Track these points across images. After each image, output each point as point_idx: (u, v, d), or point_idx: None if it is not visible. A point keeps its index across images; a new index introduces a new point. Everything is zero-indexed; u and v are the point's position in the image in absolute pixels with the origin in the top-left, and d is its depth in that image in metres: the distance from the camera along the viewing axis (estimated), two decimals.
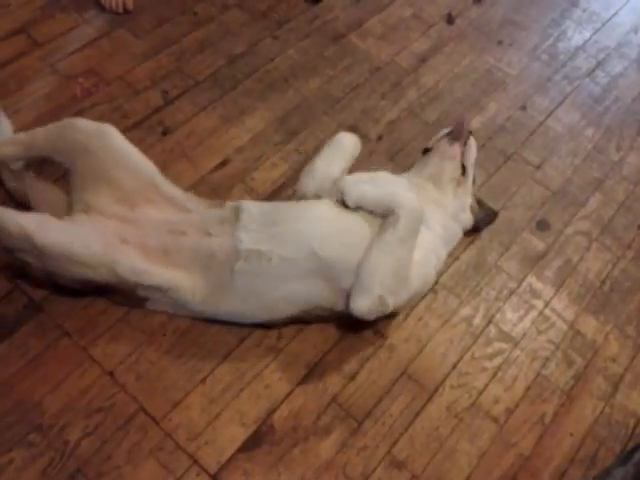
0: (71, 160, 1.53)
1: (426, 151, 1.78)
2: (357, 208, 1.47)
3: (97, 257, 1.42)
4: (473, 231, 1.80)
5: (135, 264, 1.44)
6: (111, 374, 1.47)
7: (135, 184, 1.54)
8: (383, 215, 1.45)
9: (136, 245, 1.48)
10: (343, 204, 1.48)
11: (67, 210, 1.57)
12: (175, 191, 1.59)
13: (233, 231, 1.47)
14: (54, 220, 1.44)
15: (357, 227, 1.47)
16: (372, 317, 1.45)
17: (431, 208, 1.62)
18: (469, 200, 1.74)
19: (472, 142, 1.76)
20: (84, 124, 1.54)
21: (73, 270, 1.43)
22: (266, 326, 1.57)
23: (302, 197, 1.56)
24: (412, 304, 1.66)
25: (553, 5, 2.59)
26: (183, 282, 1.47)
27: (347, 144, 1.63)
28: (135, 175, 1.54)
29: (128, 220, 1.52)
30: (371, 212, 1.47)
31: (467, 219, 1.74)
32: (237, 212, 1.50)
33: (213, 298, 1.49)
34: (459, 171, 1.71)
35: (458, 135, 1.72)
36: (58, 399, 1.42)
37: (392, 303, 1.44)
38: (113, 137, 1.54)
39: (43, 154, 1.57)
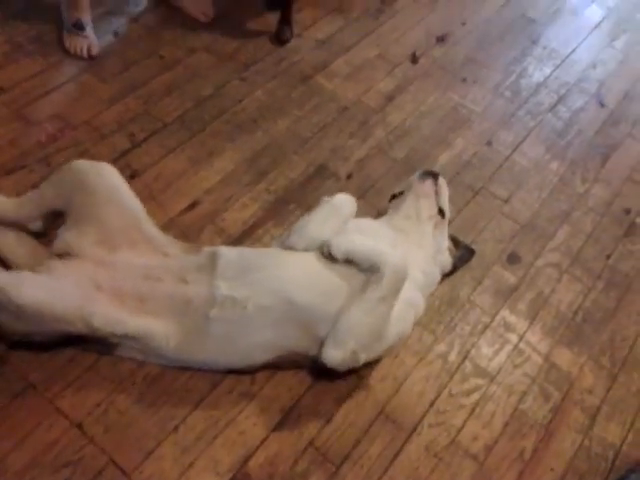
0: (68, 201, 1.52)
1: (393, 197, 1.81)
2: (336, 259, 1.46)
3: (74, 312, 1.38)
4: (450, 273, 1.80)
5: (110, 314, 1.41)
6: (79, 426, 1.41)
7: (121, 223, 1.52)
8: (367, 269, 1.44)
9: (110, 291, 1.45)
10: (328, 256, 1.47)
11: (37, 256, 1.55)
12: (156, 233, 1.58)
13: (210, 279, 1.45)
14: (29, 275, 1.40)
15: (334, 276, 1.46)
16: (343, 369, 1.45)
17: (413, 250, 1.62)
18: (446, 242, 1.75)
19: (442, 181, 1.78)
20: (84, 163, 1.55)
21: (49, 325, 1.39)
22: (239, 371, 1.54)
23: (289, 249, 1.54)
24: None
25: (514, 43, 2.66)
26: (157, 329, 1.44)
27: (344, 207, 1.61)
28: (123, 212, 1.53)
29: (105, 263, 1.49)
30: (353, 264, 1.45)
31: (446, 261, 1.74)
32: (214, 258, 1.49)
33: (187, 345, 1.45)
34: (435, 209, 1.72)
35: (429, 172, 1.76)
36: (23, 454, 1.36)
37: (364, 358, 1.45)
38: (111, 174, 1.55)
39: (55, 207, 1.55)
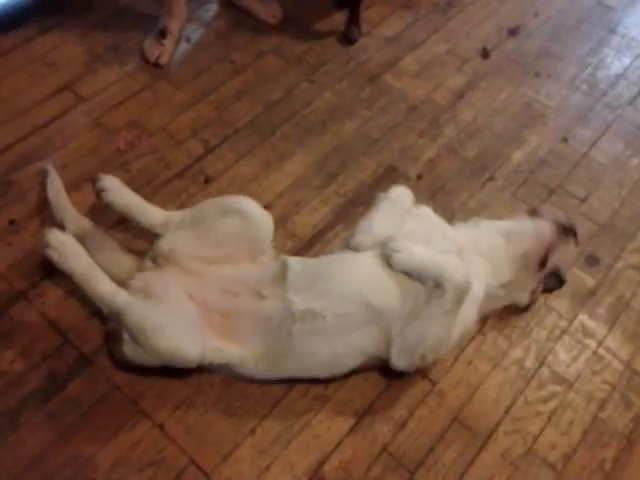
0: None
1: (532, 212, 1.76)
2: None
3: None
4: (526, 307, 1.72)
5: (209, 342, 1.46)
6: (161, 427, 1.47)
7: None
8: (429, 284, 1.43)
9: (199, 303, 1.49)
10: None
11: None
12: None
13: (283, 292, 1.47)
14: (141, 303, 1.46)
15: (402, 277, 1.46)
16: (412, 370, 1.51)
17: (484, 265, 1.58)
18: (533, 284, 1.67)
19: (572, 246, 1.72)
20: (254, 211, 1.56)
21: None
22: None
23: (354, 250, 1.54)
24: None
25: (590, 33, 2.56)
26: (247, 356, 1.48)
27: (403, 199, 1.61)
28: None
29: (196, 274, 1.52)
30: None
31: (521, 299, 1.68)
32: (284, 269, 1.51)
33: (275, 364, 1.49)
34: (537, 257, 1.64)
35: (569, 226, 1.72)
36: (110, 453, 1.43)
37: (432, 358, 1.49)
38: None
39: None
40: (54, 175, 1.75)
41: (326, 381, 1.56)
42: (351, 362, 1.50)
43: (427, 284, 1.42)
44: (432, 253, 1.46)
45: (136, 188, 1.83)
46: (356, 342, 1.46)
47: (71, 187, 1.82)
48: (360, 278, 1.47)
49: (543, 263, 1.64)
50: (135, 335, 1.42)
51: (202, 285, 1.51)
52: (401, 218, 1.57)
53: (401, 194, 1.62)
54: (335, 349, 1.46)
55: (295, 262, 1.53)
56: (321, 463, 1.46)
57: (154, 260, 1.56)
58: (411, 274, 1.44)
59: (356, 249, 1.53)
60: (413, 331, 1.43)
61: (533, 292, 1.67)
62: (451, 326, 1.45)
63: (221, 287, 1.51)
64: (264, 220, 1.57)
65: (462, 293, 1.43)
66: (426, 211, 1.65)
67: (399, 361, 1.47)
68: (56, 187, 1.74)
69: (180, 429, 1.47)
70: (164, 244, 1.55)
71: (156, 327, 1.42)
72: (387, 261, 1.46)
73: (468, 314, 1.51)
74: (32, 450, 1.41)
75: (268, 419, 1.51)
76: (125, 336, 1.44)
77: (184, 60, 2.25)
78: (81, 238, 1.59)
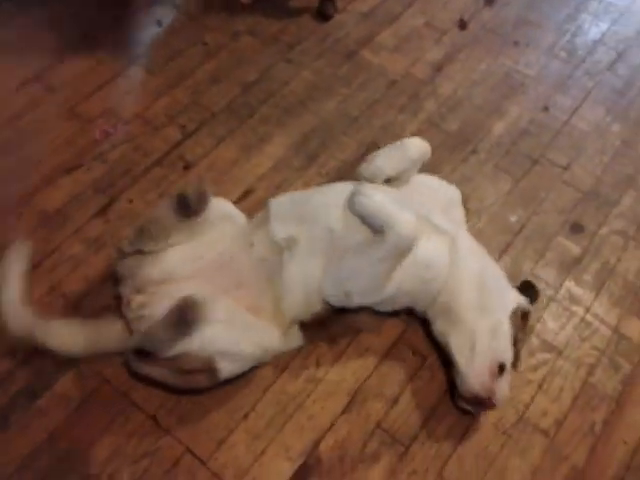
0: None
1: None
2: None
3: None
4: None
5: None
6: (154, 418, 1.46)
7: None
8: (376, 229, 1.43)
9: (212, 290, 1.48)
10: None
11: None
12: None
13: (267, 230, 1.51)
14: None
15: None
16: (337, 304, 1.50)
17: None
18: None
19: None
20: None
21: None
22: (303, 356, 1.56)
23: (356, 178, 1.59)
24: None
25: (566, 0, 2.54)
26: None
27: (412, 149, 1.63)
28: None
29: (194, 274, 1.51)
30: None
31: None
32: (267, 211, 1.55)
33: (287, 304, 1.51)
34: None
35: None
36: (104, 447, 1.42)
37: (358, 302, 1.49)
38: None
39: None
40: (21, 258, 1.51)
41: (317, 362, 1.56)
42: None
43: (374, 228, 1.43)
44: (391, 205, 1.44)
45: (114, 178, 1.84)
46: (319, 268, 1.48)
47: (47, 181, 1.79)
48: (331, 202, 1.50)
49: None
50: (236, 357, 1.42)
51: (205, 278, 1.50)
52: (404, 164, 1.60)
53: (415, 144, 1.64)
54: (311, 272, 1.48)
55: (279, 198, 1.58)
56: (316, 443, 1.46)
57: (140, 291, 1.47)
58: (363, 219, 1.44)
59: (357, 177, 1.60)
60: (347, 265, 1.44)
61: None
62: (382, 276, 1.43)
63: (219, 265, 1.52)
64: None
65: (402, 248, 1.42)
66: (449, 189, 1.69)
67: (328, 289, 1.47)
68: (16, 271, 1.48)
69: (173, 419, 1.47)
70: (154, 273, 1.48)
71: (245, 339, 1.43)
72: (348, 203, 1.46)
73: (408, 279, 1.47)
74: (24, 448, 1.40)
75: (261, 403, 1.51)
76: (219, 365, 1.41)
77: (156, 44, 2.21)
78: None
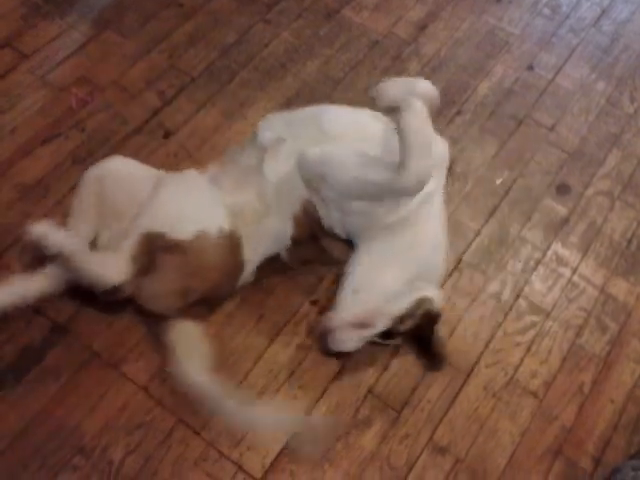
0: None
1: None
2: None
3: None
4: None
5: None
6: (145, 389, 1.46)
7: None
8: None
9: None
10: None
11: None
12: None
13: (256, 143, 1.53)
14: None
15: (366, 125, 1.53)
16: (301, 173, 1.47)
17: None
18: None
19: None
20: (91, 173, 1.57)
21: None
22: (294, 324, 1.56)
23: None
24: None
25: None
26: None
27: (422, 85, 1.49)
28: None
29: None
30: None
31: None
32: (256, 130, 1.56)
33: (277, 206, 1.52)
34: None
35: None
36: (97, 420, 1.42)
37: (324, 190, 1.45)
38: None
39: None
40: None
41: (308, 330, 1.56)
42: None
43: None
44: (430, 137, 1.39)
45: (93, 148, 1.78)
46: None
47: (23, 153, 1.73)
48: (326, 109, 1.56)
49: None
50: None
51: None
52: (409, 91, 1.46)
53: (424, 82, 1.51)
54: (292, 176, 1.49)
55: (268, 117, 1.60)
56: (308, 411, 1.47)
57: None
58: (400, 135, 1.35)
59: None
60: (345, 158, 1.43)
61: None
62: (363, 193, 1.42)
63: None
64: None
65: (400, 193, 1.39)
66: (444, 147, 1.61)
67: (310, 159, 1.45)
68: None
69: (165, 390, 1.46)
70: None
71: None
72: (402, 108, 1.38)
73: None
74: (16, 424, 1.39)
75: (252, 373, 1.51)
76: None
77: (129, 6, 2.10)
78: None
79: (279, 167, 1.50)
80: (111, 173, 1.56)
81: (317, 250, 1.59)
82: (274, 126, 1.54)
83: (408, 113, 1.36)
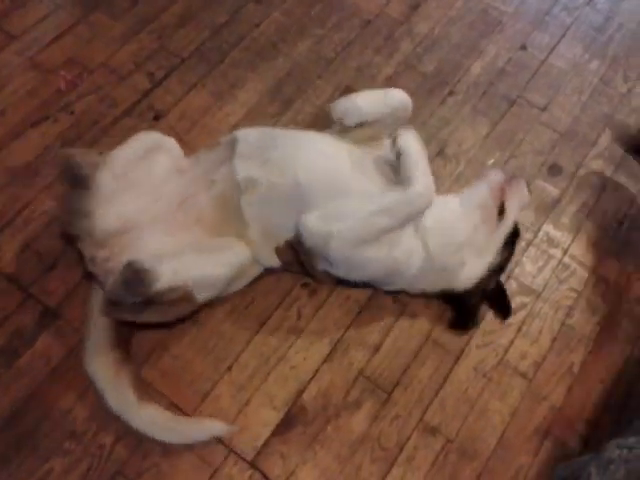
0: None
1: None
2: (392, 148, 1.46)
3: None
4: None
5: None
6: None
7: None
8: (401, 178, 1.41)
9: (174, 229, 1.47)
10: (392, 143, 1.46)
11: None
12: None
13: (230, 167, 1.46)
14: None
15: (346, 170, 1.45)
16: (306, 242, 1.41)
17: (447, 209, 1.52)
18: (493, 248, 1.54)
19: (524, 188, 1.57)
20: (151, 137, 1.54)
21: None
22: (284, 308, 1.56)
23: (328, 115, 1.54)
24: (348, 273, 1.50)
25: None
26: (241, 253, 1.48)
27: (394, 98, 1.52)
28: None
29: (151, 219, 1.47)
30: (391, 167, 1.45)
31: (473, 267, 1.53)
32: (233, 145, 1.49)
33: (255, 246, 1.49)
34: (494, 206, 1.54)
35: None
36: (87, 404, 1.42)
37: (333, 249, 1.38)
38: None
39: None
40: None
41: (298, 313, 1.56)
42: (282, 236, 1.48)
43: (400, 175, 1.42)
44: (425, 160, 1.44)
45: (82, 131, 1.77)
46: (284, 216, 1.44)
47: (12, 135, 1.73)
48: (306, 155, 1.46)
49: (501, 211, 1.54)
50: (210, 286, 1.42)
51: (163, 221, 1.47)
52: (378, 108, 1.51)
53: (395, 93, 1.54)
54: (273, 220, 1.46)
55: (247, 132, 1.51)
56: (300, 392, 1.48)
57: (102, 246, 1.41)
58: (402, 160, 1.42)
59: (329, 113, 1.53)
60: (347, 203, 1.40)
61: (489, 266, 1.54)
62: (378, 231, 1.38)
63: (179, 202, 1.49)
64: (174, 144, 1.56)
65: (417, 207, 1.39)
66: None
67: (310, 220, 1.39)
68: None
69: (156, 373, 1.47)
70: (112, 225, 1.41)
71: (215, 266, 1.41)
72: (393, 136, 1.46)
73: (394, 248, 1.43)
74: (7, 409, 1.40)
75: (244, 355, 1.51)
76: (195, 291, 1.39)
77: None
78: None
79: (257, 210, 1.46)
80: (163, 149, 1.54)
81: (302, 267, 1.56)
82: (250, 155, 1.46)
83: (407, 136, 1.44)
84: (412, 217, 1.41)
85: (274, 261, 1.52)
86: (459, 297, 1.54)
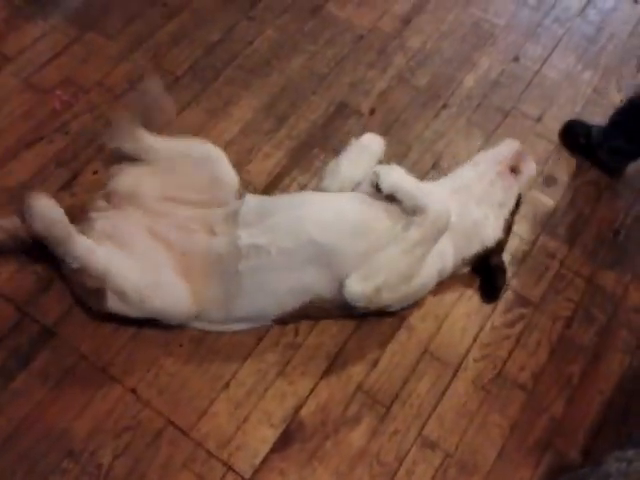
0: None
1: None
2: (380, 192, 1.46)
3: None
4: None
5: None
6: (133, 391, 1.46)
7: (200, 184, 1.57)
8: (410, 209, 1.42)
9: (162, 239, 1.48)
10: (375, 187, 1.47)
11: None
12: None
13: (233, 229, 1.47)
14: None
15: (366, 216, 1.45)
16: (360, 305, 1.43)
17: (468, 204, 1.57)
18: (508, 206, 1.62)
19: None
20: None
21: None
22: (281, 324, 1.56)
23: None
24: (405, 305, 1.55)
25: None
26: (210, 302, 1.48)
27: (372, 145, 1.61)
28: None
29: (153, 211, 1.52)
30: (394, 202, 1.45)
31: (496, 225, 1.61)
32: (239, 207, 1.51)
33: (228, 303, 1.47)
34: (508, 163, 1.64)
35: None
36: (85, 423, 1.42)
37: (386, 299, 1.43)
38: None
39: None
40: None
41: (296, 329, 1.56)
42: (296, 301, 1.47)
43: (407, 210, 1.42)
44: (417, 181, 1.47)
45: (78, 150, 1.78)
46: (300, 279, 1.44)
47: (8, 156, 1.73)
48: (312, 214, 1.45)
49: (514, 169, 1.63)
50: (125, 297, 1.39)
51: (163, 222, 1.50)
52: (370, 163, 1.58)
53: (372, 140, 1.62)
54: (281, 286, 1.45)
55: (250, 198, 1.54)
56: (298, 409, 1.47)
57: (107, 199, 1.52)
58: (397, 195, 1.43)
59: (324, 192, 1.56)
60: (382, 255, 1.40)
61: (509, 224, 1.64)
62: (419, 263, 1.42)
63: (178, 224, 1.50)
64: (231, 175, 1.58)
65: (441, 226, 1.42)
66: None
67: (353, 285, 1.40)
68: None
69: (153, 391, 1.46)
70: (124, 185, 1.52)
71: (147, 289, 1.40)
72: (373, 182, 1.46)
73: (433, 266, 1.48)
74: (4, 430, 1.39)
75: (241, 372, 1.51)
76: (109, 293, 1.39)
77: (112, 7, 2.10)
78: None
79: (263, 281, 1.45)
80: (212, 162, 1.59)
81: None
82: (253, 223, 1.47)
83: (386, 174, 1.45)
84: (443, 232, 1.44)
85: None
86: (492, 254, 1.61)
